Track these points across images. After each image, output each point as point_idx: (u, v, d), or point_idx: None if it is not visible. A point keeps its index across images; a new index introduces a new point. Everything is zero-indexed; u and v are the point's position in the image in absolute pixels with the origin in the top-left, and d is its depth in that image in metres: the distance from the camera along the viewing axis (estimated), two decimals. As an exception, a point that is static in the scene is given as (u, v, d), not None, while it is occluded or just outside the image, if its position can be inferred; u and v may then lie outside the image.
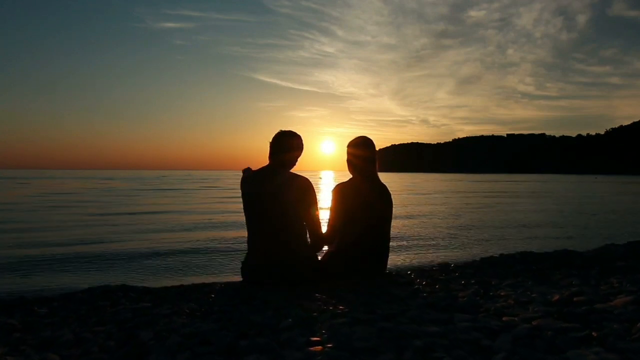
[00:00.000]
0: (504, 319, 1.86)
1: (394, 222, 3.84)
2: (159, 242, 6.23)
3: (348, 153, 3.71)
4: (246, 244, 3.46)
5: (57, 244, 6.20)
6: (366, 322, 2.00)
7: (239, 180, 3.48)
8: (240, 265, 3.53)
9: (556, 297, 2.20)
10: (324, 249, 3.72)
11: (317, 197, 3.50)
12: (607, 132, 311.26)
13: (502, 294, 2.53)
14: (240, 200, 3.44)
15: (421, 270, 4.22)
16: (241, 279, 3.52)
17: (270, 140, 3.46)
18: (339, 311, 2.37)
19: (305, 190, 3.41)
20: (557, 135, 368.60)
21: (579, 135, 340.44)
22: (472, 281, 3.29)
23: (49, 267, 4.71)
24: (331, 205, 3.64)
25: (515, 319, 1.84)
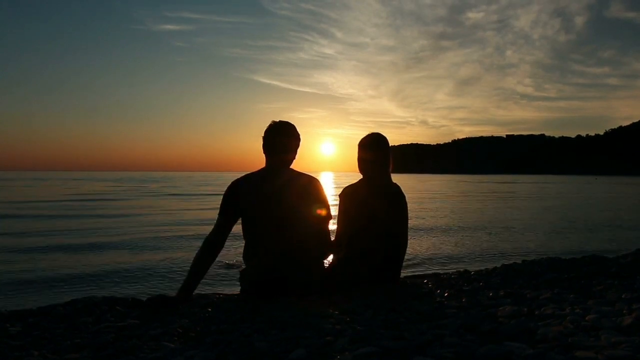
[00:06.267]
0: (578, 354, 1.48)
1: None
2: (151, 248, 5.88)
3: (358, 153, 3.43)
4: (241, 252, 3.16)
5: (41, 251, 5.83)
6: (397, 354, 1.62)
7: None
8: (238, 275, 3.20)
9: (627, 320, 1.83)
10: (332, 255, 3.44)
11: (325, 197, 3.18)
12: (606, 133, 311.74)
13: (548, 312, 2.15)
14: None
15: (438, 279, 3.87)
16: (240, 290, 3.20)
17: (264, 135, 3.10)
18: (359, 334, 2.00)
19: (311, 189, 3.11)
20: (556, 136, 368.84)
21: (579, 136, 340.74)
22: (501, 293, 2.93)
23: (31, 276, 4.33)
24: (338, 210, 3.36)
25: (597, 356, 1.45)
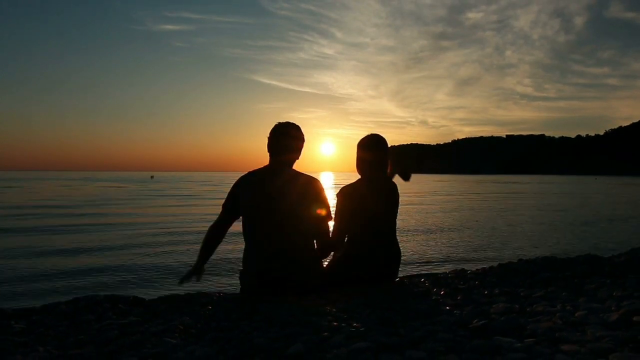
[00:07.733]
0: (563, 348, 1.54)
1: (400, 226, 3.57)
2: (152, 246, 5.93)
3: (357, 153, 3.48)
4: (242, 251, 3.22)
5: (45, 250, 5.88)
6: (392, 348, 1.68)
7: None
8: (238, 274, 3.25)
9: (614, 316, 1.89)
10: (331, 254, 3.49)
11: (325, 197, 3.23)
12: (606, 133, 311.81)
13: (540, 309, 2.21)
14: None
15: (435, 278, 3.92)
16: (240, 289, 3.26)
17: (269, 136, 3.17)
18: (354, 330, 2.05)
19: (310, 189, 3.15)
20: (556, 136, 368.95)
21: (578, 136, 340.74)
22: (496, 291, 2.98)
23: (33, 275, 4.39)
24: (336, 210, 3.41)
25: (581, 349, 1.51)
